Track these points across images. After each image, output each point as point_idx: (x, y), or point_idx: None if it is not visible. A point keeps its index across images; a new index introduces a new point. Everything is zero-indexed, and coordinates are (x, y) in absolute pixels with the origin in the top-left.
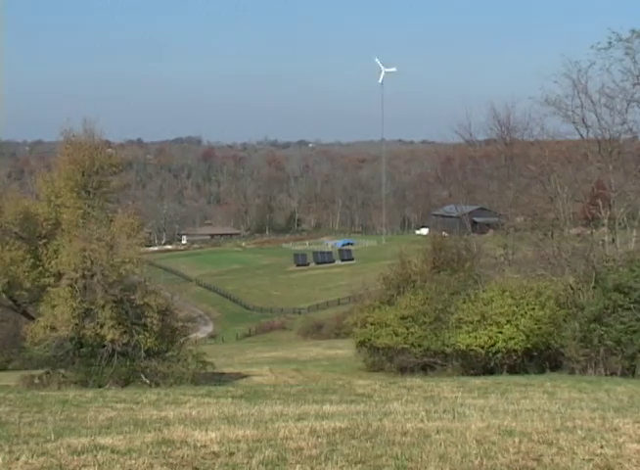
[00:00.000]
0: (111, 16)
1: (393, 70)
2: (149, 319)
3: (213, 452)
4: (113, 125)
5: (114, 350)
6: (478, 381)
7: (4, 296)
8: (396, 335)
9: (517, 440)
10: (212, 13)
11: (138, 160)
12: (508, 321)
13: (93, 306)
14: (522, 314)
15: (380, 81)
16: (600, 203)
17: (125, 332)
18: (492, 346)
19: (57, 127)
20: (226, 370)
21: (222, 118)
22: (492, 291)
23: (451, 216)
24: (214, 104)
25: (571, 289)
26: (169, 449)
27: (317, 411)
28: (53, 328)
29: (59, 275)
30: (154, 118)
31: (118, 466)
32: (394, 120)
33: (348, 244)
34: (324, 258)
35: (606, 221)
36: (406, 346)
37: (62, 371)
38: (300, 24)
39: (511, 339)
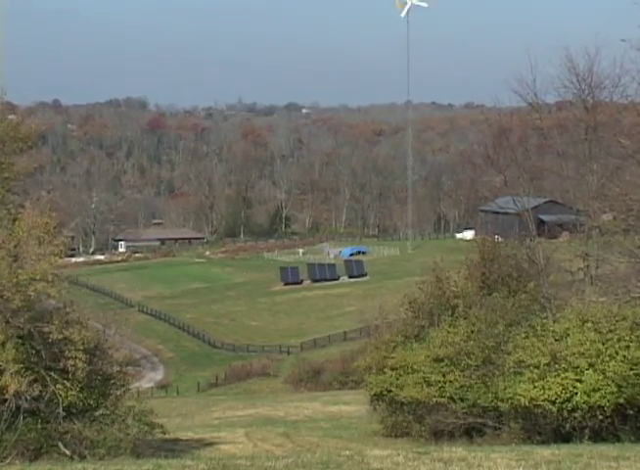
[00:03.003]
0: None
1: (424, 5)
2: (70, 362)
3: None
4: (17, 81)
5: (18, 407)
6: (546, 451)
7: None
8: (428, 384)
9: None
10: None
11: (55, 131)
12: (591, 365)
13: None
14: (611, 355)
15: (403, 15)
16: None
17: (36, 381)
18: (568, 400)
19: None
20: (182, 435)
21: (177, 73)
22: (568, 321)
23: (507, 213)
24: (165, 52)
25: None
26: None
27: None
28: None
29: None
30: (77, 72)
31: None
32: (426, 76)
33: (359, 253)
34: (324, 274)
35: None
36: (442, 400)
37: None
38: None
39: (595, 391)
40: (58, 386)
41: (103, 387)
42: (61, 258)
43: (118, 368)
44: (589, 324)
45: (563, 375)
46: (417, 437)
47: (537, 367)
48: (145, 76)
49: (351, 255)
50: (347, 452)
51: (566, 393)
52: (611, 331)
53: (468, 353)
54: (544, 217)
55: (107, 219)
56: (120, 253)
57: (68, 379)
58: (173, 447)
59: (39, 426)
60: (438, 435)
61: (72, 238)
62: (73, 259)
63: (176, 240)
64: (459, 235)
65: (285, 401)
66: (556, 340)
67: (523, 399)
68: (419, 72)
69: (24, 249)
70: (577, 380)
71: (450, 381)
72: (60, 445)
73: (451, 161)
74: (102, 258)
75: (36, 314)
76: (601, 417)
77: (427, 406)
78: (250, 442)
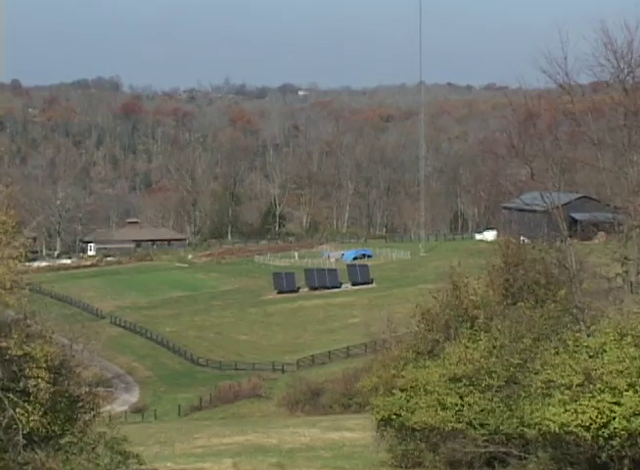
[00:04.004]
0: None
1: None
2: (32, 382)
3: None
4: None
5: None
6: None
7: None
8: (444, 408)
9: None
10: None
11: (14, 116)
12: (630, 386)
13: None
14: None
15: None
16: None
17: None
18: (604, 426)
19: None
20: (161, 466)
21: (154, 50)
22: (604, 335)
23: (534, 211)
24: (140, 26)
25: None
26: None
27: None
28: None
29: None
30: (40, 49)
31: None
32: (441, 53)
33: (364, 256)
34: (323, 281)
35: None
36: (460, 425)
37: None
38: None
39: (635, 415)
40: (17, 409)
41: (69, 411)
42: (20, 261)
43: (87, 389)
44: (629, 338)
45: (598, 397)
46: (430, 467)
47: (569, 388)
48: (118, 54)
49: (355, 258)
50: None
51: (602, 417)
52: None
53: (489, 372)
54: (577, 216)
55: (74, 218)
56: (90, 256)
57: (29, 402)
58: None
59: None
60: (455, 465)
61: (34, 239)
62: (36, 264)
63: (154, 242)
64: (479, 236)
65: (279, 427)
66: (590, 356)
67: (552, 425)
68: (433, 50)
69: None
70: (615, 403)
71: (469, 404)
72: None
73: (470, 150)
74: (68, 262)
75: None
76: None
77: (442, 433)
78: None
